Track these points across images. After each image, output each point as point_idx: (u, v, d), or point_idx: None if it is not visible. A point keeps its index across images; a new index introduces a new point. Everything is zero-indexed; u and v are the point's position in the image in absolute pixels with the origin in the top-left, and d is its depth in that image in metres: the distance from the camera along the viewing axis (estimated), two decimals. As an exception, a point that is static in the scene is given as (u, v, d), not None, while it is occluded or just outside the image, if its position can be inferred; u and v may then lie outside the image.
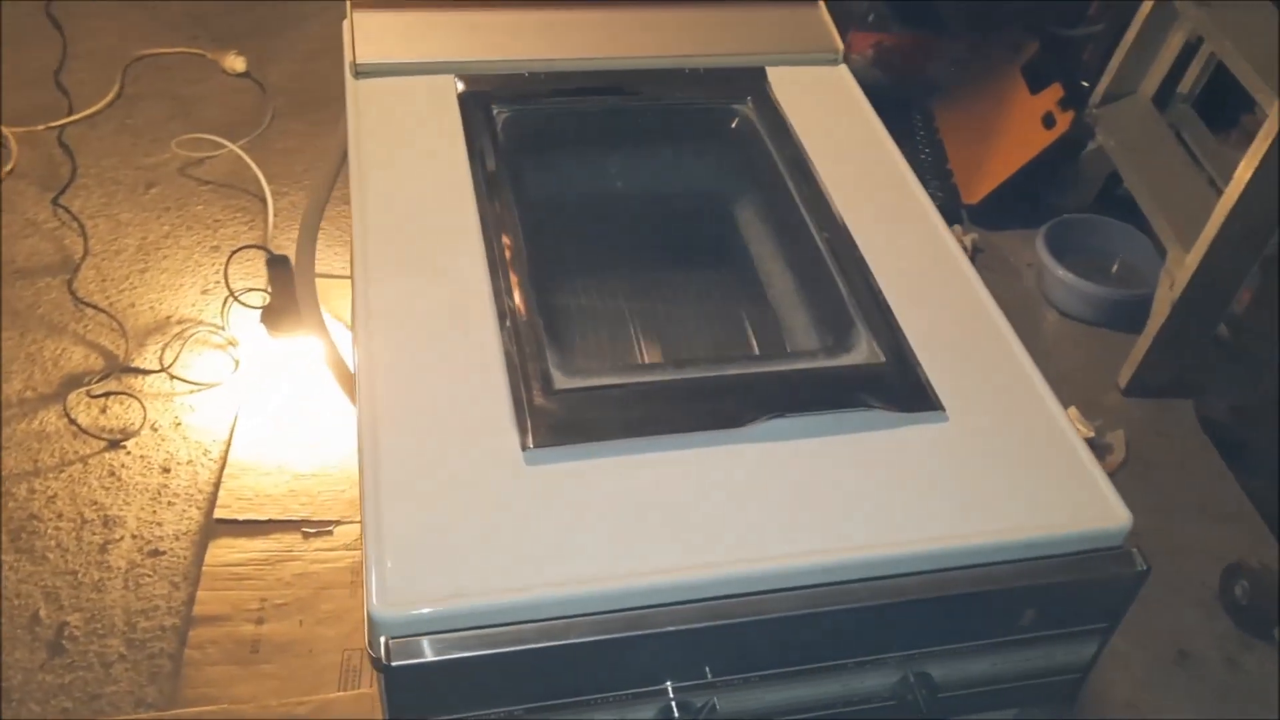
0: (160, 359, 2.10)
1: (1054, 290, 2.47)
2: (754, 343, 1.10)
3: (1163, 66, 2.50)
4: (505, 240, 0.98)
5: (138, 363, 2.10)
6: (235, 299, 2.16)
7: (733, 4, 1.26)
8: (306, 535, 1.88)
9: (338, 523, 1.91)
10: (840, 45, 1.25)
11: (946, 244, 1.05)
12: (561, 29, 1.20)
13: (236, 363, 2.11)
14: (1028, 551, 0.81)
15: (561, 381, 0.86)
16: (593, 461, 0.82)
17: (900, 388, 0.91)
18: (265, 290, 2.17)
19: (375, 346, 0.90)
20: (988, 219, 2.67)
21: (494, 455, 0.83)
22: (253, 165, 2.50)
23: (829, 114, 1.18)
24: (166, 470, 1.94)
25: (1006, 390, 0.93)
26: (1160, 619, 1.87)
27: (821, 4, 1.28)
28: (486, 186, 1.03)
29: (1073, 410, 2.17)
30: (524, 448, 0.83)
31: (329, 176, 1.95)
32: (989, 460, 0.87)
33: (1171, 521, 2.06)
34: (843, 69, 1.25)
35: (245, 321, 2.18)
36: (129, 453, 1.96)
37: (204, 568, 1.80)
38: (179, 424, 2.01)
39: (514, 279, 0.94)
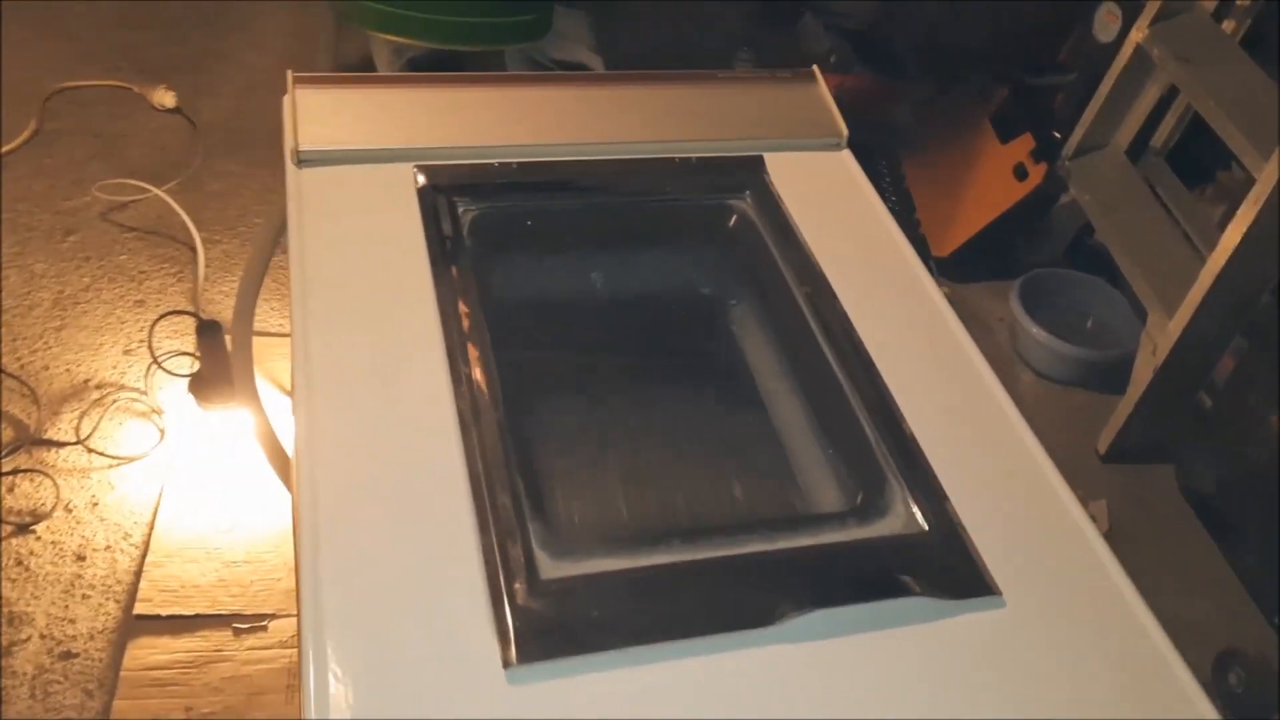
0: (76, 429, 1.91)
1: (1029, 350, 2.39)
2: (766, 492, 0.96)
3: (1137, 119, 2.43)
4: (475, 373, 0.83)
5: (51, 434, 1.91)
6: (159, 365, 1.98)
7: (726, 83, 1.13)
8: (238, 632, 1.72)
9: (273, 616, 1.75)
10: (844, 130, 1.12)
11: (976, 368, 0.93)
12: (535, 111, 1.06)
13: (161, 433, 1.93)
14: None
15: (548, 568, 0.72)
16: (591, 678, 0.68)
17: (948, 567, 0.78)
18: (194, 355, 2.00)
19: (320, 519, 0.75)
20: (957, 272, 2.59)
21: (469, 670, 0.68)
22: (180, 212, 2.31)
23: (835, 209, 1.06)
24: (81, 558, 1.76)
25: (1064, 560, 0.81)
26: (1151, 709, 1.79)
27: (822, 83, 1.16)
28: (452, 302, 0.88)
29: (1054, 482, 2.08)
30: (506, 664, 0.69)
31: (270, 237, 1.79)
32: (1054, 655, 0.74)
33: (1156, 599, 1.97)
34: (845, 154, 1.12)
35: (171, 387, 2.00)
36: (39, 538, 1.77)
37: (122, 672, 1.62)
38: (96, 504, 1.83)
39: (486, 426, 0.79)
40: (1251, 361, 2.03)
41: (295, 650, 1.72)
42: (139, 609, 1.70)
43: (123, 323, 2.14)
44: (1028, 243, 2.56)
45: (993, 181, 2.55)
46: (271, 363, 2.09)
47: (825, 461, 0.91)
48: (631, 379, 1.06)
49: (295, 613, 1.79)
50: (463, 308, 0.88)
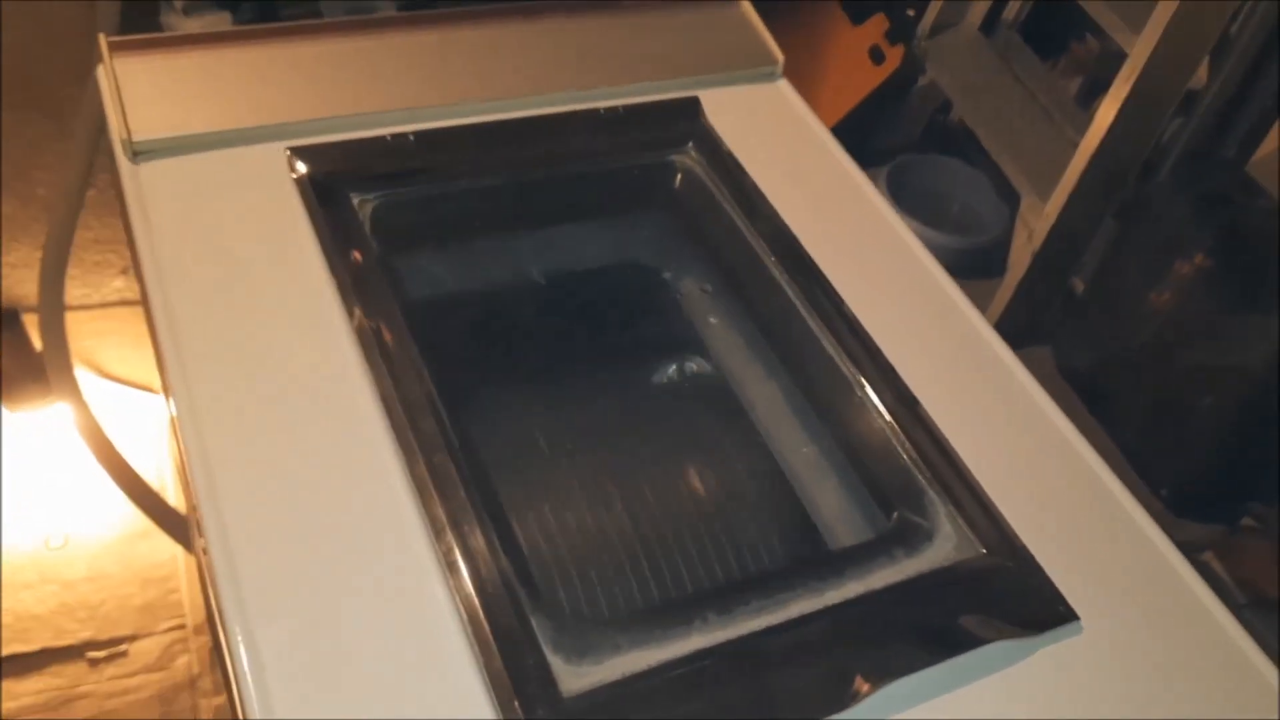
0: None
1: (901, 242, 2.33)
2: (772, 511, 0.81)
3: (990, -8, 2.36)
4: (422, 419, 0.65)
5: None
6: (-54, 363, 1.67)
7: (638, 11, 0.93)
8: (94, 662, 1.51)
9: (132, 638, 1.55)
10: (779, 56, 0.96)
11: (978, 329, 0.81)
12: (420, 62, 0.84)
13: (-39, 442, 1.64)
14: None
15: (568, 678, 0.56)
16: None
17: (1020, 595, 0.66)
18: (-12, 346, 1.69)
19: (257, 640, 0.57)
20: (818, 164, 2.49)
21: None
22: (-60, 172, 1.95)
23: (786, 151, 0.90)
24: (-114, 604, 1.49)
25: (1128, 557, 0.71)
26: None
27: (746, 3, 0.98)
28: (374, 328, 0.68)
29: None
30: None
31: (70, 204, 1.51)
32: (1144, 680, 0.64)
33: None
34: (783, 84, 0.96)
35: (-36, 386, 1.69)
36: None
37: (-39, 731, 1.40)
38: (-108, 536, 1.55)
39: (453, 496, 0.61)
40: (1123, 240, 2.03)
41: (161, 673, 1.53)
42: (-30, 654, 1.46)
43: (-111, 312, 1.79)
44: (886, 127, 2.48)
45: (849, 67, 2.44)
46: (86, 340, 1.81)
47: (838, 472, 0.78)
48: (587, 388, 0.88)
49: (157, 630, 1.58)
50: (386, 334, 0.69)
